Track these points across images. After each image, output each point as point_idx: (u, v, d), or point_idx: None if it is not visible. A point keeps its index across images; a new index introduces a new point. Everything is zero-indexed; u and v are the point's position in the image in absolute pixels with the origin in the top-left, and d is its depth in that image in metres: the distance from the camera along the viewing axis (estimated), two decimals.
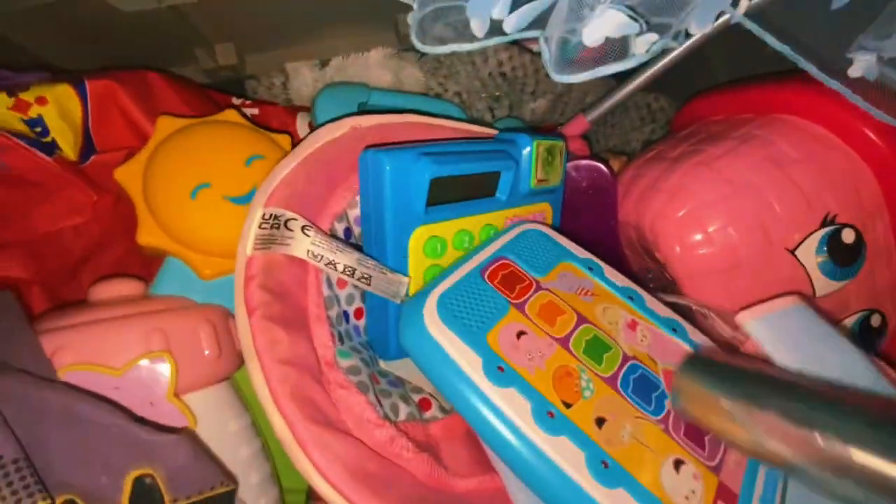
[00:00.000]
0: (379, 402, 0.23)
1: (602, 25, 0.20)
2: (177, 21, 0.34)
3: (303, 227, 0.22)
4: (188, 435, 0.22)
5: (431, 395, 0.26)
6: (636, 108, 0.46)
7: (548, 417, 0.18)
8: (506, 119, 0.41)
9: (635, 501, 0.17)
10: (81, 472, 0.21)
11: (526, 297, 0.23)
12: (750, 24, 0.22)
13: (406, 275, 0.24)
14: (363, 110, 0.33)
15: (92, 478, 0.21)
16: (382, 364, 0.26)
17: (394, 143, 0.25)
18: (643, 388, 0.21)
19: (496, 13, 0.22)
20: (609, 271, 0.26)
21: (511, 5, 0.22)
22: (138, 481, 0.21)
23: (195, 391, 0.25)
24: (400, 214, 0.23)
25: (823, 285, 0.26)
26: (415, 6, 0.24)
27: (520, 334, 0.21)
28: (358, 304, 0.26)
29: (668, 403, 0.20)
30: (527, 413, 0.18)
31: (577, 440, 0.18)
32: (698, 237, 0.26)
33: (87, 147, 0.30)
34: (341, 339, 0.24)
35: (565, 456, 0.17)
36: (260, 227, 0.23)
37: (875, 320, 0.27)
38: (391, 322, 0.25)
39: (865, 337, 0.27)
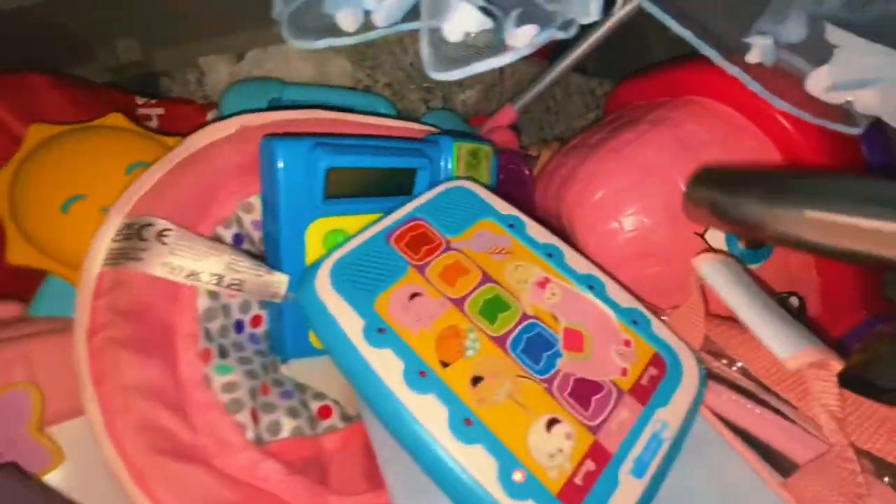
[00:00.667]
0: (255, 420, 0.22)
1: (459, 20, 0.19)
2: (66, 16, 0.31)
3: (160, 233, 0.21)
4: (11, 472, 0.21)
5: (334, 402, 0.26)
6: (580, 95, 0.43)
7: (418, 377, 0.18)
8: (439, 111, 0.39)
9: (491, 456, 0.17)
10: None
11: (431, 258, 0.23)
12: (652, 8, 0.19)
13: (301, 266, 0.24)
14: (272, 107, 0.32)
15: None
16: (286, 370, 0.26)
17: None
18: (536, 347, 0.20)
19: (366, 5, 0.21)
20: (532, 228, 0.25)
21: None
22: None
23: (72, 419, 0.23)
24: (294, 204, 0.23)
25: None
26: (276, 2, 0.22)
27: (413, 296, 0.21)
28: (256, 311, 0.25)
29: (559, 362, 0.20)
30: (398, 372, 0.18)
31: (443, 398, 0.18)
32: (612, 224, 0.26)
33: None
34: (223, 353, 0.23)
35: (428, 412, 0.17)
36: (114, 239, 0.21)
37: (792, 303, 0.25)
38: (286, 320, 0.24)
39: None
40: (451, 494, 0.17)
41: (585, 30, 0.30)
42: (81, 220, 0.25)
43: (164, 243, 0.21)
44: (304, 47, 0.24)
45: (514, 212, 0.25)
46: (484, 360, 0.19)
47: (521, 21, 0.20)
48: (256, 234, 0.26)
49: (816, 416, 0.18)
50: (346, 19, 0.23)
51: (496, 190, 0.30)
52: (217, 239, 0.24)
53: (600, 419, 0.19)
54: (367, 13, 0.23)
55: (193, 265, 0.22)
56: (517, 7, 0.19)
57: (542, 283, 0.23)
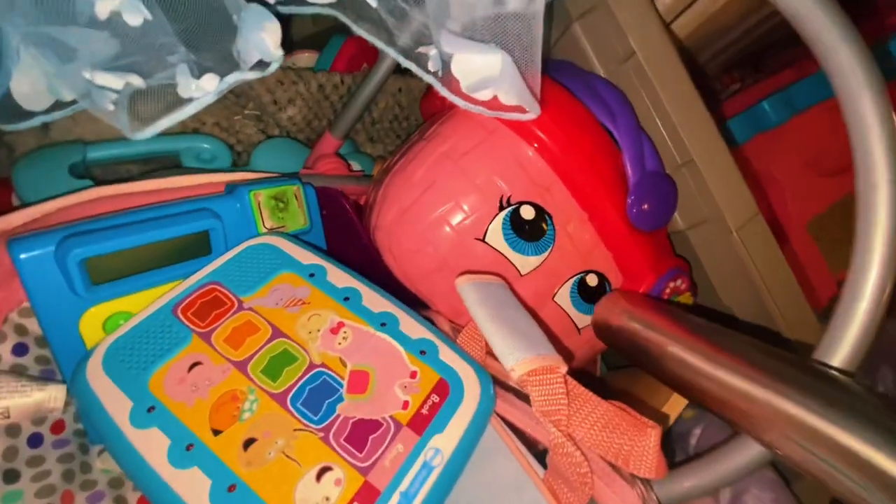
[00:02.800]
0: None
1: (101, 96, 0.19)
2: None
3: None
4: None
5: None
6: (390, 109, 0.44)
7: (185, 451, 0.19)
8: (276, 139, 0.40)
9: None
10: None
11: (219, 322, 0.23)
12: (361, 32, 0.21)
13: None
14: (86, 171, 0.31)
15: None
16: (100, 465, 0.25)
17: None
18: (318, 396, 0.21)
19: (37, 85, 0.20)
20: (333, 274, 0.26)
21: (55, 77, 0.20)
22: None
23: None
24: (52, 303, 0.22)
25: (523, 263, 0.26)
26: None
27: (193, 365, 0.21)
28: (58, 416, 0.24)
29: (339, 407, 0.21)
30: (163, 450, 0.18)
31: (207, 469, 0.18)
32: (406, 244, 0.27)
33: None
34: (10, 478, 0.22)
35: (189, 487, 0.18)
36: None
37: (591, 279, 0.28)
38: (80, 409, 0.24)
39: (586, 296, 0.28)
40: None
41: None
42: None
43: None
44: (10, 128, 0.23)
45: (317, 260, 0.26)
46: (260, 420, 0.20)
47: (200, 71, 0.20)
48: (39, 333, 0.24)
49: (538, 416, 0.19)
50: (29, 98, 0.22)
51: (324, 223, 0.30)
52: None
53: (374, 458, 0.20)
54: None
55: None
56: (190, 57, 0.20)
57: (335, 329, 0.24)
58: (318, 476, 0.19)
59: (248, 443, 0.19)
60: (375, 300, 0.25)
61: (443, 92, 0.22)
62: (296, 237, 0.28)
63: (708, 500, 0.25)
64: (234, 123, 0.39)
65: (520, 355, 0.21)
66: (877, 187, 0.19)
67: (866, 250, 0.20)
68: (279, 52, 0.20)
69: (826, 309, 0.33)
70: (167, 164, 0.40)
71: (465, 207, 0.26)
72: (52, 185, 0.32)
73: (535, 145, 0.26)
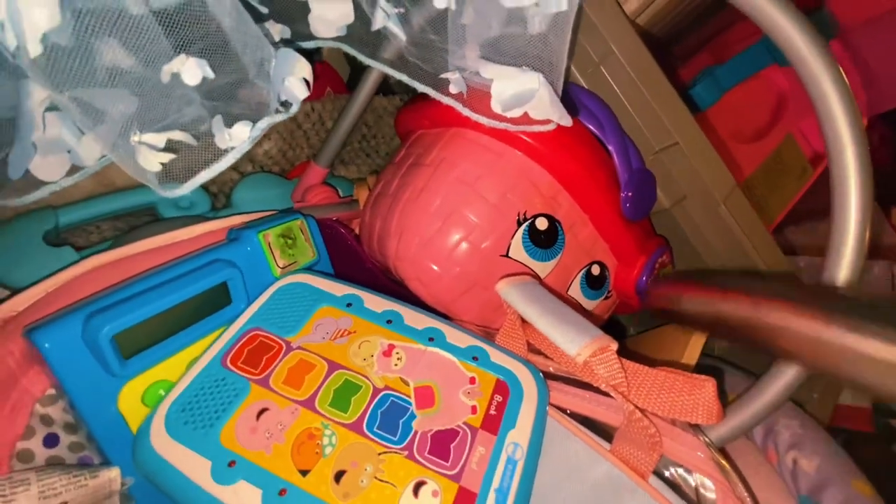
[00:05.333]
0: None
1: (147, 158, 0.19)
2: None
3: None
4: None
5: None
6: (389, 115, 0.46)
7: (278, 497, 0.18)
8: (253, 176, 0.39)
9: None
10: None
11: (273, 366, 0.22)
12: (375, 64, 0.22)
13: (129, 437, 0.22)
14: (59, 236, 0.30)
15: None
16: None
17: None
18: (391, 417, 0.21)
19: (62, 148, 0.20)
20: (369, 301, 0.26)
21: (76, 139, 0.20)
22: None
23: None
24: (88, 386, 0.21)
25: (542, 269, 0.29)
26: None
27: (261, 413, 0.21)
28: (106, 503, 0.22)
29: (414, 424, 0.21)
30: (257, 501, 0.18)
31: None
32: (434, 270, 0.28)
33: None
34: None
35: None
36: None
37: (595, 269, 0.31)
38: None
39: (592, 284, 0.30)
40: None
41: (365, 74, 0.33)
42: None
43: None
44: (18, 203, 0.22)
45: (350, 290, 0.26)
46: (343, 452, 0.20)
47: (231, 120, 0.21)
48: (67, 420, 0.23)
49: (609, 391, 0.21)
50: (46, 168, 0.21)
51: (330, 255, 0.30)
52: (22, 458, 0.21)
53: (461, 464, 0.20)
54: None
55: None
56: (223, 109, 0.20)
57: (388, 352, 0.24)
58: (415, 492, 0.19)
59: (339, 475, 0.19)
60: (417, 318, 0.26)
61: (466, 113, 0.24)
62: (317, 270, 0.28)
63: (742, 438, 0.27)
64: None
65: (580, 341, 0.22)
66: (844, 147, 0.22)
67: (844, 198, 0.23)
68: (306, 93, 0.21)
69: None
70: (140, 219, 0.38)
71: (487, 229, 0.28)
72: (30, 257, 0.30)
73: (542, 162, 0.28)
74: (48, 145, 0.19)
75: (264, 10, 0.21)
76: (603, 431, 0.24)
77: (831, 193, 0.24)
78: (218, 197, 0.41)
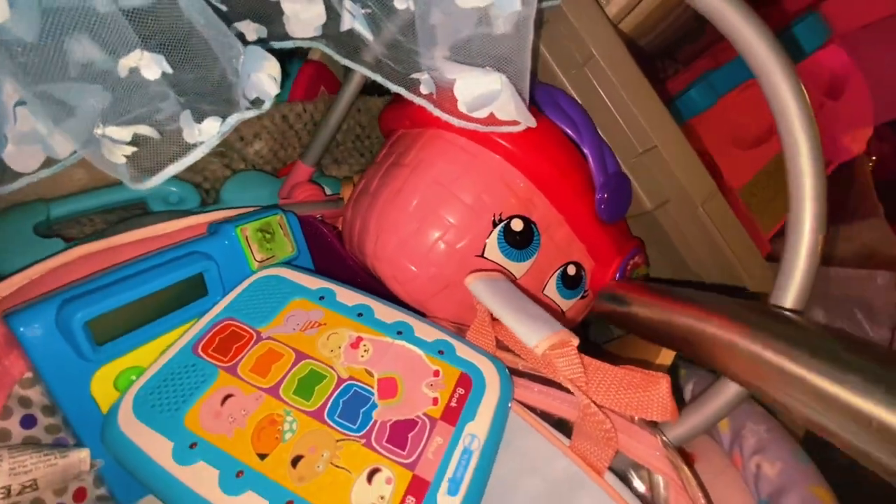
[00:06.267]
0: None
1: (112, 151, 0.20)
2: None
3: None
4: None
5: None
6: (352, 130, 0.46)
7: (235, 479, 0.19)
8: (243, 173, 0.40)
9: None
10: None
11: (241, 355, 0.23)
12: (350, 64, 0.22)
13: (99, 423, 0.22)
14: (50, 228, 0.31)
15: None
16: None
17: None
18: (353, 406, 0.22)
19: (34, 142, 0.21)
20: (342, 294, 0.27)
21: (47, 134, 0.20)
22: None
23: None
24: (61, 370, 0.22)
25: (518, 269, 0.29)
26: None
27: (226, 398, 0.21)
28: (77, 484, 0.23)
29: (374, 413, 0.22)
30: (213, 481, 0.19)
31: (262, 491, 0.19)
32: (411, 269, 0.28)
33: None
34: None
35: None
36: None
37: (570, 269, 0.31)
38: (106, 474, 0.23)
39: (568, 284, 0.30)
40: None
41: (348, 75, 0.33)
42: None
43: None
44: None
45: (324, 284, 0.27)
46: (302, 438, 0.21)
47: (200, 116, 0.21)
48: (45, 402, 0.24)
49: (566, 385, 0.21)
50: (20, 159, 0.22)
51: (312, 252, 0.31)
52: (1, 437, 0.22)
53: (417, 453, 0.21)
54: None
55: None
56: (191, 104, 0.21)
57: (355, 344, 0.24)
58: (369, 478, 0.20)
59: (296, 460, 0.20)
60: (387, 312, 0.26)
61: (436, 113, 0.24)
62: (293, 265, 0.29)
63: (710, 441, 0.27)
64: (198, 162, 0.39)
65: (540, 334, 0.22)
66: (799, 154, 0.23)
67: (799, 211, 0.23)
68: (276, 90, 0.21)
69: (768, 260, 0.37)
70: (132, 213, 0.39)
71: (463, 229, 0.28)
72: (20, 248, 0.31)
73: (517, 164, 0.28)
74: (21, 137, 0.20)
75: (239, 9, 0.22)
76: (568, 429, 0.24)
77: (787, 215, 0.24)
78: (209, 193, 0.42)
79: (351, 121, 0.47)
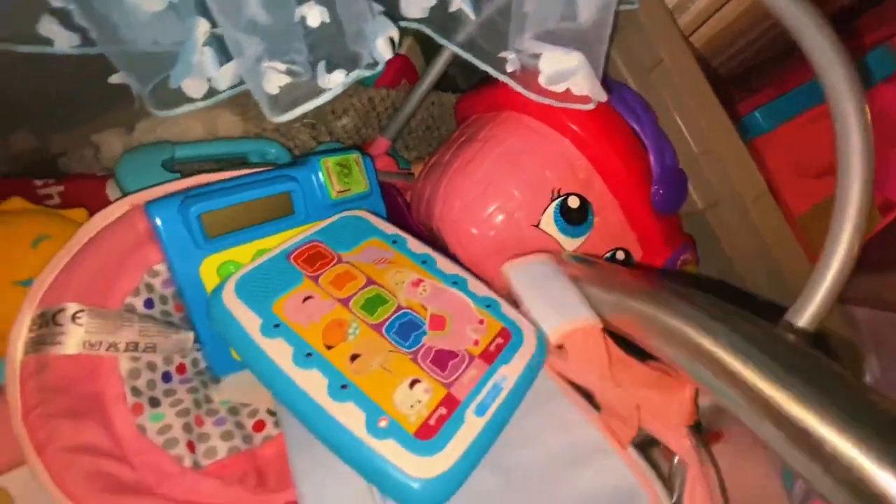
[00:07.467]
0: (191, 450, 0.26)
1: (271, 80, 0.25)
2: None
3: (73, 316, 0.24)
4: None
5: (268, 413, 0.30)
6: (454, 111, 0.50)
7: (305, 357, 0.23)
8: (328, 143, 0.45)
9: (360, 410, 0.21)
10: None
11: (324, 269, 0.27)
12: (449, 45, 0.26)
13: (204, 298, 0.28)
14: (173, 167, 0.37)
15: None
16: (219, 397, 0.29)
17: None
18: (406, 329, 0.25)
19: (202, 74, 0.26)
20: (411, 243, 0.30)
21: (215, 67, 0.26)
22: None
23: (14, 469, 0.25)
24: (181, 251, 0.27)
25: (569, 244, 0.32)
26: (132, 85, 0.27)
27: (306, 299, 0.25)
28: (178, 361, 0.29)
29: (424, 339, 0.25)
30: (288, 355, 0.23)
31: (325, 371, 0.22)
32: (471, 231, 0.32)
33: None
34: (154, 403, 0.27)
35: (311, 383, 0.22)
36: (30, 329, 0.24)
37: (619, 255, 0.33)
38: (207, 345, 0.29)
39: None
40: (331, 445, 0.21)
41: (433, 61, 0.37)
42: None
43: (78, 325, 0.25)
44: (165, 115, 0.27)
45: (398, 231, 0.31)
46: (362, 342, 0.24)
47: (331, 67, 0.26)
48: (169, 291, 0.30)
49: (580, 368, 0.23)
50: (193, 88, 0.27)
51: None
52: (129, 309, 0.27)
53: (454, 377, 0.24)
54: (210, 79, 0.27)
55: (110, 339, 0.25)
56: (326, 55, 0.25)
57: (416, 283, 0.28)
58: (411, 385, 0.23)
59: (354, 357, 0.23)
60: (447, 265, 0.29)
61: (517, 88, 0.27)
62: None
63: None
64: (290, 130, 0.45)
65: (554, 322, 0.25)
66: (851, 186, 0.23)
67: (836, 236, 0.24)
68: (391, 54, 0.26)
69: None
70: (234, 164, 0.46)
71: (523, 199, 0.31)
72: (149, 176, 0.38)
73: (581, 147, 0.31)
74: (197, 69, 0.25)
75: None
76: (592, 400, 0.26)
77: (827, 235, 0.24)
78: (298, 159, 0.48)
79: (425, 112, 0.52)
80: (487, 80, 0.33)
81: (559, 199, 0.31)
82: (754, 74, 0.50)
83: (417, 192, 0.37)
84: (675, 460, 0.24)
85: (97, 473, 0.23)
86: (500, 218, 0.31)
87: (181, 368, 0.29)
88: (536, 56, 0.26)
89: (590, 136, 0.31)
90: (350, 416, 0.21)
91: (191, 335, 0.28)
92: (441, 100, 0.51)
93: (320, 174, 0.32)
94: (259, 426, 0.29)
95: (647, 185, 0.32)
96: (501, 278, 0.33)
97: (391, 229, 0.31)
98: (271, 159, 0.45)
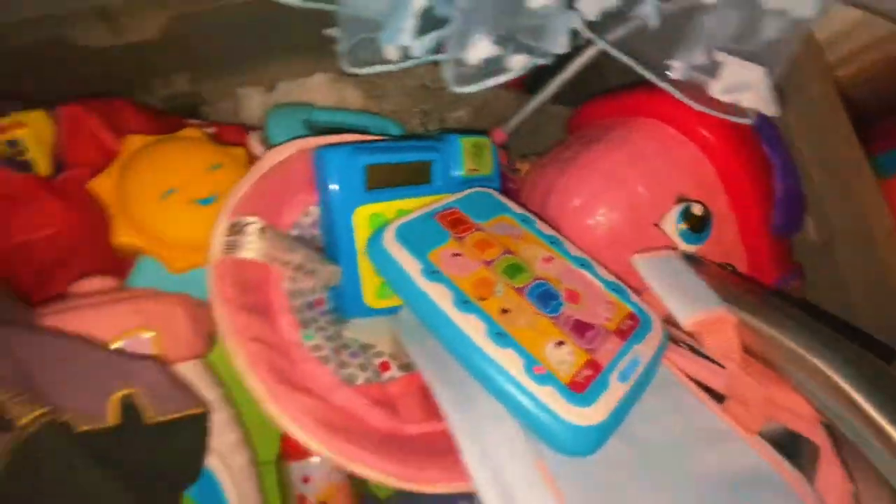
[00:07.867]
0: (340, 370, 0.29)
1: (477, 50, 0.28)
2: (135, 55, 0.36)
3: (260, 230, 0.27)
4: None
5: (391, 357, 0.32)
6: (552, 119, 0.53)
7: (463, 303, 0.24)
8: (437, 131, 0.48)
9: (519, 357, 0.23)
10: (72, 396, 0.22)
11: (466, 233, 0.29)
12: (611, 50, 0.29)
13: (351, 244, 0.30)
14: (311, 127, 0.40)
15: (81, 400, 0.22)
16: (348, 335, 0.32)
17: None
18: (545, 297, 0.27)
19: (405, 41, 0.29)
20: (540, 224, 0.32)
21: (416, 34, 0.28)
22: (122, 400, 0.23)
23: (178, 363, 0.28)
24: (344, 195, 0.30)
25: (684, 249, 0.32)
26: (341, 39, 0.30)
27: (455, 255, 0.27)
28: (318, 294, 0.32)
29: (562, 308, 0.26)
30: (449, 299, 0.25)
31: (482, 318, 0.24)
32: (588, 222, 0.33)
33: (59, 165, 0.33)
34: (305, 324, 0.30)
35: (472, 327, 0.24)
36: (225, 235, 0.27)
37: None
38: (345, 286, 0.31)
39: None
40: (490, 385, 0.22)
41: (558, 68, 0.39)
42: (177, 209, 0.31)
43: (263, 238, 0.28)
44: (359, 73, 0.31)
45: (526, 212, 0.32)
46: (509, 299, 0.26)
47: (517, 50, 0.28)
48: (314, 233, 0.33)
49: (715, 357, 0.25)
50: (391, 52, 0.30)
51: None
52: None
53: (595, 344, 0.25)
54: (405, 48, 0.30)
55: (284, 256, 0.28)
56: (513, 40, 0.28)
57: (548, 260, 0.29)
58: (557, 345, 0.24)
59: (504, 311, 0.25)
60: (573, 248, 0.31)
61: (679, 96, 0.29)
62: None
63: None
64: (405, 113, 0.49)
65: (690, 311, 0.26)
66: None
67: None
68: (566, 49, 0.28)
69: None
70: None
71: (649, 198, 0.33)
72: (291, 130, 0.41)
73: (712, 158, 0.33)
74: (405, 34, 0.28)
75: None
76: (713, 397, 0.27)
77: None
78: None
79: (532, 116, 0.54)
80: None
81: (684, 204, 0.32)
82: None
83: (531, 185, 0.39)
84: (807, 449, 0.25)
85: (277, 367, 0.26)
86: (617, 213, 0.32)
87: (319, 301, 0.32)
88: (712, 66, 0.28)
89: (723, 148, 0.32)
90: (510, 360, 0.23)
91: (340, 269, 0.30)
92: (550, 111, 0.54)
93: (460, 150, 0.34)
94: (385, 366, 0.31)
95: (767, 205, 0.33)
96: (613, 269, 0.34)
97: (519, 209, 0.33)
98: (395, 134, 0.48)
